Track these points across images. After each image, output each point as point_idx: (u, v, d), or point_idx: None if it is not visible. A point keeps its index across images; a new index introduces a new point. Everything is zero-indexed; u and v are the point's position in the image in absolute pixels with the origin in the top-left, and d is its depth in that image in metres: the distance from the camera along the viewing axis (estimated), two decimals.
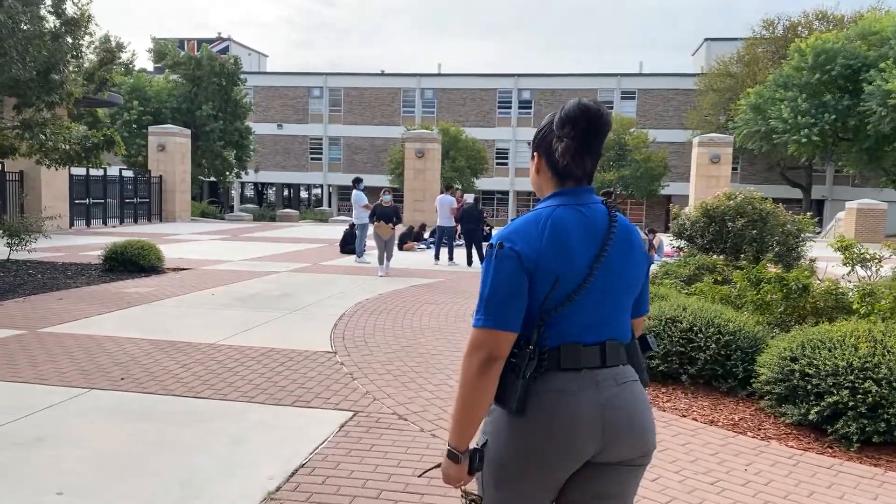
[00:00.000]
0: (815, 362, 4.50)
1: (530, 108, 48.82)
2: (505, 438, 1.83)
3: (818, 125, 27.61)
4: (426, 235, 19.36)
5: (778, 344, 4.94)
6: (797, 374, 4.56)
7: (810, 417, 4.41)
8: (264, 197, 58.97)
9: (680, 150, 43.46)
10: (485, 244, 12.36)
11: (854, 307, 5.32)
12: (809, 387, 4.46)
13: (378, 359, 6.29)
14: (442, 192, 15.52)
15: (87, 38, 11.25)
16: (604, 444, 1.82)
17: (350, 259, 14.66)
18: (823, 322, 5.61)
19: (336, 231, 23.35)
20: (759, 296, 5.83)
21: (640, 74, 48.47)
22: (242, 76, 35.58)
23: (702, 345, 5.37)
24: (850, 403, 4.23)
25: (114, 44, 13.26)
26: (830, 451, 4.28)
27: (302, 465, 3.83)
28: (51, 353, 6.19)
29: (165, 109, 32.48)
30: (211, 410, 4.75)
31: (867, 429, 4.20)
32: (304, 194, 58.66)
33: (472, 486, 1.90)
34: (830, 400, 4.30)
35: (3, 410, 4.59)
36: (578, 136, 1.84)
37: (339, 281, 11.40)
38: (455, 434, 1.83)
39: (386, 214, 12.54)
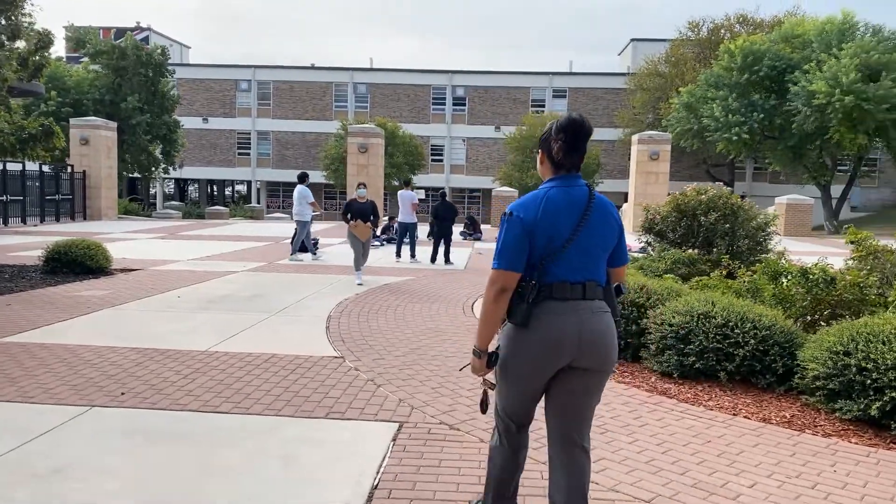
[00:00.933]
0: (871, 356, 4.45)
1: (464, 104, 48.82)
2: (513, 344, 2.67)
3: (748, 124, 28.69)
4: (377, 231, 18.93)
5: (824, 338, 4.87)
6: (853, 369, 4.49)
7: (871, 413, 4.34)
8: (186, 193, 56.69)
9: (610, 149, 44.44)
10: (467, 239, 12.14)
11: (889, 300, 5.34)
12: (868, 381, 4.40)
13: (392, 363, 5.91)
14: (402, 188, 15.11)
15: (24, 18, 10.24)
16: (578, 355, 2.62)
17: (306, 257, 14.09)
18: (847, 316, 5.62)
19: (275, 229, 22.59)
20: (781, 289, 5.80)
21: (572, 73, 49.26)
22: (170, 67, 33.95)
23: (739, 340, 5.27)
24: None
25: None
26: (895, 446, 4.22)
27: (375, 487, 3.44)
28: (25, 366, 5.50)
29: (87, 101, 30.61)
30: (241, 427, 4.28)
31: None
32: (227, 191, 56.72)
33: (490, 377, 2.83)
34: (893, 394, 4.25)
35: None
36: (568, 139, 2.68)
37: (306, 280, 10.87)
38: (479, 339, 2.71)
39: (363, 212, 10.73)
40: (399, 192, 14.68)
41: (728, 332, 5.32)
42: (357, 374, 5.53)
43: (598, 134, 44.27)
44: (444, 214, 14.42)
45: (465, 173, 49.12)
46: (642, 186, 25.48)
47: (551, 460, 2.76)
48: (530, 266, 2.61)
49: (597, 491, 3.43)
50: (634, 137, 26.48)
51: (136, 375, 5.30)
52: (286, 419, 4.44)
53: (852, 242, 6.29)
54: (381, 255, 15.19)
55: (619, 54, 56.45)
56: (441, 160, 48.96)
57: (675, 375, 5.47)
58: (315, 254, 14.31)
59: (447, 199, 15.05)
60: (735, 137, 28.84)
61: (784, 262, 8.26)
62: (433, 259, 14.24)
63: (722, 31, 41.12)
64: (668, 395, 5.20)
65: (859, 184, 36.33)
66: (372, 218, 10.85)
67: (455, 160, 49.35)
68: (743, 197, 11.61)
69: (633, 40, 52.32)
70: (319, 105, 49.57)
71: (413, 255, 14.38)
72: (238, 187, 55.96)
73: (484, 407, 2.87)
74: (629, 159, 45.59)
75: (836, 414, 4.60)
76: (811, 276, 5.69)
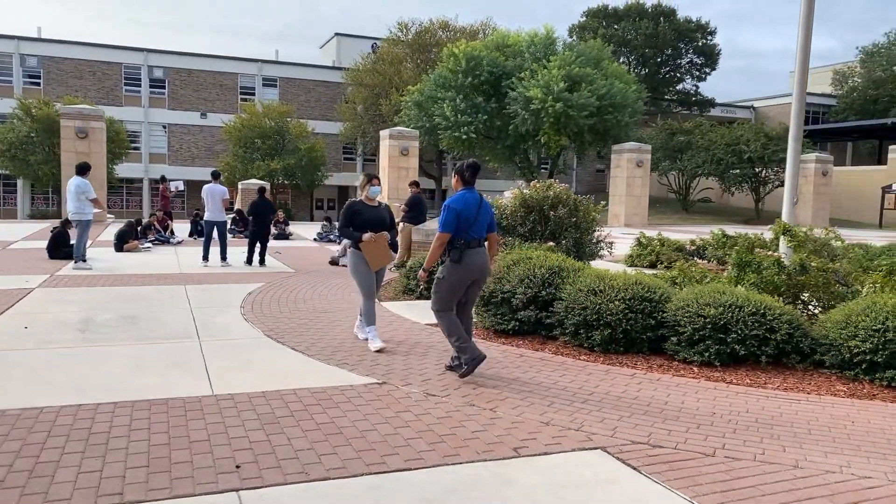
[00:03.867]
0: None
1: (164, 87, 44.26)
2: (452, 272, 5.28)
3: (474, 124, 31.05)
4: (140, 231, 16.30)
5: (852, 319, 5.59)
6: (895, 340, 5.26)
7: None
8: None
9: (331, 143, 44.33)
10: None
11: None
12: None
13: (445, 382, 5.22)
14: (210, 181, 13.15)
15: None
16: (480, 275, 5.37)
17: (123, 260, 11.58)
18: (819, 297, 6.54)
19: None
20: (761, 276, 6.51)
21: (282, 62, 47.87)
22: None
23: (774, 326, 5.79)
24: None
25: None
26: None
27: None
28: None
29: None
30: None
31: None
32: None
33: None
34: None
35: None
36: (472, 170, 5.37)
37: (161, 291, 8.98)
38: (427, 264, 5.40)
39: (379, 221, 6.37)
40: (206, 186, 12.82)
41: (761, 319, 5.81)
42: (442, 403, 4.77)
43: (320, 127, 43.95)
44: (262, 211, 13.03)
45: (167, 163, 44.61)
46: (395, 181, 26.00)
47: (461, 320, 5.45)
48: (458, 231, 5.21)
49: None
50: (384, 133, 26.85)
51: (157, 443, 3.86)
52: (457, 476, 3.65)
53: (785, 233, 7.31)
54: (162, 261, 13.16)
55: (321, 47, 56.50)
56: (138, 148, 43.72)
57: (718, 363, 5.80)
58: (83, 261, 11.59)
59: (266, 195, 13.61)
60: (464, 136, 31.01)
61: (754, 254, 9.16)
62: (249, 260, 12.79)
63: (427, 34, 43.67)
64: (725, 381, 5.50)
65: (556, 179, 41.74)
66: (393, 229, 6.62)
67: (155, 148, 44.55)
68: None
69: (337, 34, 52.85)
70: None
71: (224, 258, 12.71)
72: None
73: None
74: (356, 153, 46.45)
75: (882, 383, 5.34)
76: (787, 266, 6.49)
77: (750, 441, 4.14)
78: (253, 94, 45.45)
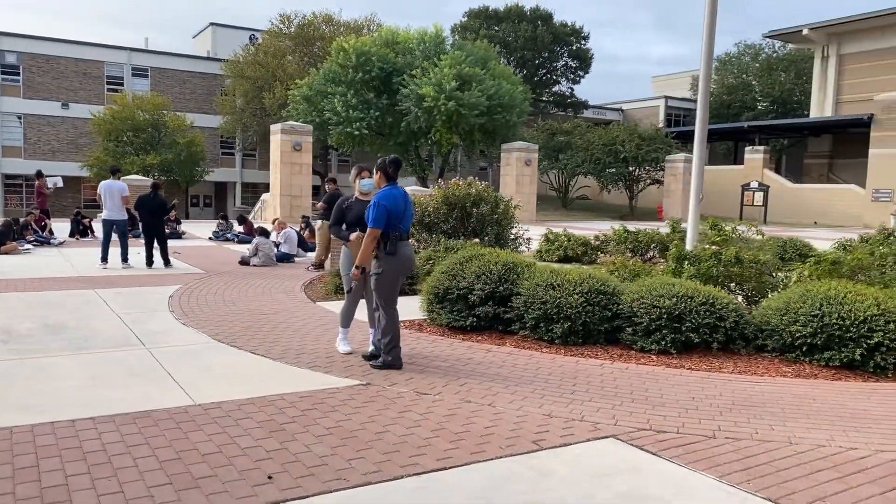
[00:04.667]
0: (841, 314, 5.83)
1: (19, 74, 40.48)
2: (389, 264, 5.46)
3: (366, 120, 30.79)
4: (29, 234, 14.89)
5: (791, 307, 6.11)
6: (834, 325, 5.81)
7: (855, 357, 5.72)
8: None
9: (207, 136, 42.38)
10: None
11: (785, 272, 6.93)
12: (849, 335, 5.76)
13: (429, 381, 5.20)
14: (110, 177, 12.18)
15: None
16: (412, 265, 5.89)
17: (3, 263, 10.50)
18: (750, 285, 7.09)
19: None
20: (699, 268, 6.97)
21: (154, 52, 45.15)
22: None
23: (723, 314, 6.22)
24: (886, 343, 5.68)
25: None
26: (870, 377, 5.65)
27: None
28: None
29: None
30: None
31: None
32: None
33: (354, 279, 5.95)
34: (871, 342, 5.68)
35: None
36: (395, 166, 5.61)
37: (72, 296, 8.27)
38: (360, 261, 5.43)
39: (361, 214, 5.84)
40: (104, 183, 11.91)
41: (710, 308, 6.23)
42: (441, 399, 4.74)
43: (199, 121, 41.84)
44: (156, 209, 12.27)
45: (22, 156, 40.89)
46: (288, 177, 25.30)
47: (371, 313, 5.92)
48: (389, 226, 5.38)
49: None
50: (276, 127, 26.03)
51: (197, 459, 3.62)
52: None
53: (713, 228, 7.85)
54: (79, 261, 12.17)
55: (194, 37, 53.86)
56: None
57: (674, 351, 6.16)
58: None
59: (160, 191, 12.80)
60: (356, 132, 30.66)
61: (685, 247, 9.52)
62: (149, 261, 12.01)
63: (311, 28, 42.76)
64: (685, 367, 5.85)
65: (446, 177, 42.17)
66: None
67: (8, 140, 40.68)
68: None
69: (212, 24, 50.62)
70: None
71: (125, 259, 11.88)
72: None
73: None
74: (236, 148, 44.47)
75: (819, 363, 5.88)
76: (723, 258, 6.98)
77: (739, 422, 4.44)
78: (122, 85, 42.57)
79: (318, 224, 12.82)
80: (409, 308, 7.52)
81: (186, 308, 7.94)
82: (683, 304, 6.23)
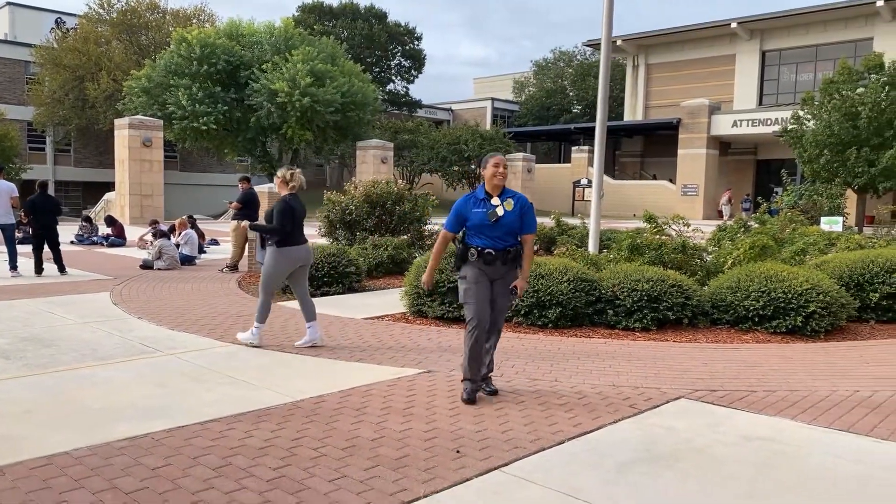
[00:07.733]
0: (783, 289, 7.08)
1: None
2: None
3: (213, 114, 29.44)
4: None
5: (741, 285, 7.27)
6: (779, 299, 7.04)
7: (798, 324, 6.98)
8: None
9: (24, 129, 37.90)
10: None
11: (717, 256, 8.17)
12: (791, 306, 7.01)
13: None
14: None
15: None
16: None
17: None
18: (691, 269, 8.24)
19: None
20: (659, 254, 7.99)
21: None
22: None
23: (690, 294, 7.24)
24: (818, 311, 7.00)
25: None
26: (808, 339, 6.95)
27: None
28: None
29: None
30: None
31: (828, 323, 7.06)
32: None
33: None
34: (808, 311, 6.97)
35: None
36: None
37: (12, 307, 7.53)
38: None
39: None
40: None
41: (679, 289, 7.23)
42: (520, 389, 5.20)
43: (12, 113, 37.19)
44: (46, 210, 11.24)
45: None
46: (137, 175, 23.64)
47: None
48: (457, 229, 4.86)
49: None
50: (122, 121, 24.14)
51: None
52: None
53: (649, 221, 8.90)
54: None
55: None
56: None
57: (654, 328, 7.08)
58: None
59: (48, 191, 11.69)
60: (204, 127, 29.20)
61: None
62: (38, 269, 10.97)
63: (133, 15, 39.80)
64: (671, 340, 6.79)
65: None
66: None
67: None
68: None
69: (9, 3, 45.31)
70: None
71: (14, 267, 10.77)
72: None
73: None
74: (47, 141, 39.98)
75: (767, 330, 7.08)
76: (670, 246, 8.05)
77: (763, 380, 5.35)
78: None
79: (232, 224, 12.44)
80: (388, 303, 7.79)
81: (151, 313, 7.56)
82: (659, 287, 7.17)
